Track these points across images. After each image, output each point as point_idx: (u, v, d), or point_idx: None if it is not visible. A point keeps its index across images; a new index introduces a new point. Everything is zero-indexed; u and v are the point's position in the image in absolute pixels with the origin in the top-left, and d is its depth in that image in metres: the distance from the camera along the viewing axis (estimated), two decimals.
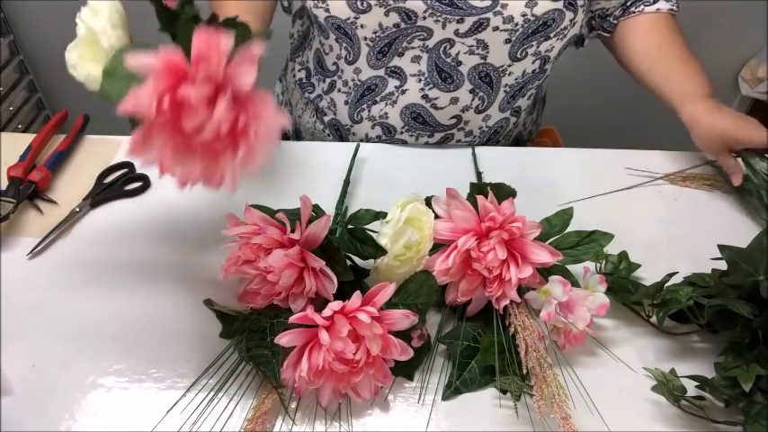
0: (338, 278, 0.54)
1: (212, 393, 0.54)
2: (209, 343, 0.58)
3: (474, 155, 0.83)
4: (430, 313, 0.61)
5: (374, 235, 0.58)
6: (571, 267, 0.60)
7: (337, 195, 0.72)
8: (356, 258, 0.59)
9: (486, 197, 0.56)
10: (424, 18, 0.73)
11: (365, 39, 0.77)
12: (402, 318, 0.51)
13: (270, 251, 0.53)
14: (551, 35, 0.76)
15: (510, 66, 0.79)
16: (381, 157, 0.83)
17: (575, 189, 0.78)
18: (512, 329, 0.56)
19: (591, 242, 0.61)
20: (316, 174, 0.80)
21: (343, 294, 0.52)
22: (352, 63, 0.81)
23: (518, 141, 0.95)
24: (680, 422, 0.54)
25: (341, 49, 0.81)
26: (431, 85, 0.80)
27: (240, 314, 0.58)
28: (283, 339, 0.49)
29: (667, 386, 0.53)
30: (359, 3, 0.73)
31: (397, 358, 0.52)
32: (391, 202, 0.60)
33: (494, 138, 0.88)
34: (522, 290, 0.57)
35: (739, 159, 0.76)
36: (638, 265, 0.65)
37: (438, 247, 0.58)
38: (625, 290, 0.61)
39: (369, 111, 0.84)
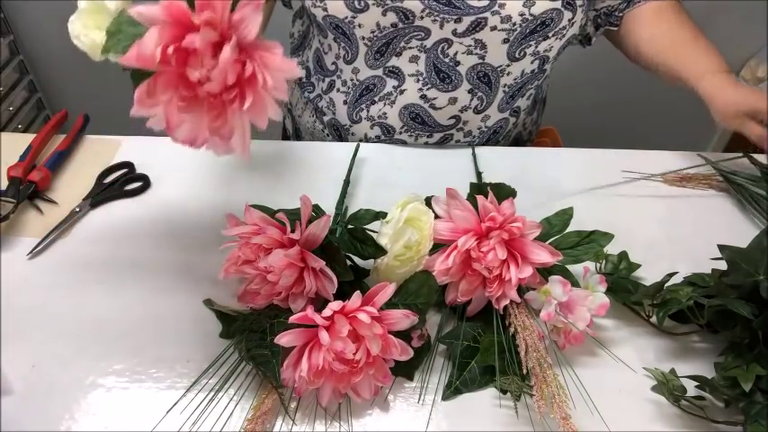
0: (338, 278, 0.54)
1: (212, 393, 0.54)
2: (209, 343, 0.58)
3: (474, 155, 0.83)
4: (430, 313, 0.61)
5: (374, 235, 0.58)
6: (571, 267, 0.60)
7: (337, 195, 0.72)
8: (356, 258, 0.59)
9: (486, 197, 0.56)
10: (422, 18, 0.73)
11: (363, 38, 0.77)
12: (402, 318, 0.51)
13: (270, 251, 0.53)
14: (550, 35, 0.76)
15: (508, 66, 0.79)
16: (381, 157, 0.83)
17: (575, 189, 0.78)
18: (512, 329, 0.56)
19: (591, 242, 0.61)
20: (316, 174, 0.80)
21: (343, 294, 0.52)
22: (351, 63, 0.81)
23: (518, 142, 0.95)
24: (680, 422, 0.54)
25: (339, 49, 0.81)
26: (429, 86, 0.80)
27: (240, 314, 0.58)
28: (283, 339, 0.49)
29: (667, 386, 0.53)
30: (356, 2, 0.73)
31: (397, 358, 0.52)
32: (391, 202, 0.60)
33: (493, 138, 0.88)
34: (522, 290, 0.57)
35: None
36: (638, 265, 0.65)
37: (438, 247, 0.58)
38: (625, 290, 0.61)
39: (367, 111, 0.85)
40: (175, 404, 0.54)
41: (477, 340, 0.57)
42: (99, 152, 0.82)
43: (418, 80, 0.80)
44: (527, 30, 0.74)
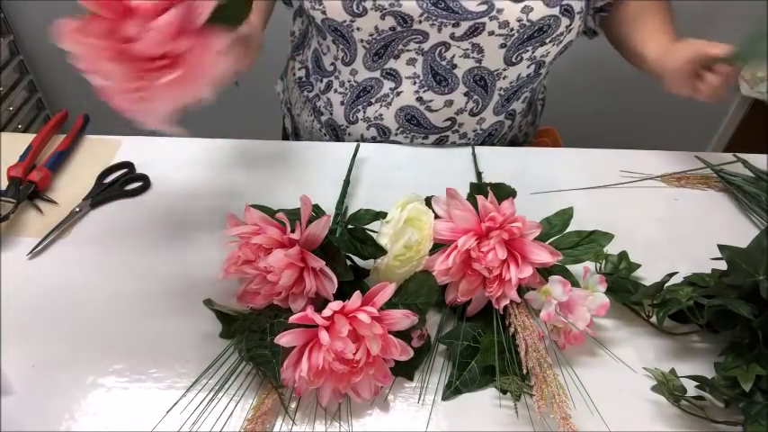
0: (338, 278, 0.54)
1: (212, 393, 0.54)
2: (209, 343, 0.58)
3: (474, 155, 0.83)
4: (430, 313, 0.61)
5: (374, 235, 0.58)
6: (571, 267, 0.60)
7: (337, 195, 0.72)
8: (356, 258, 0.59)
9: (486, 197, 0.56)
10: (420, 22, 0.74)
11: (361, 41, 0.77)
12: (402, 318, 0.51)
13: (270, 251, 0.53)
14: (547, 41, 0.76)
15: (505, 70, 0.79)
16: (381, 157, 0.83)
17: (574, 189, 0.78)
18: (512, 329, 0.56)
19: (591, 242, 0.61)
20: (316, 174, 0.80)
21: (343, 294, 0.52)
22: (349, 64, 0.81)
23: (513, 144, 0.95)
24: (680, 422, 0.54)
25: (338, 51, 0.81)
26: (425, 88, 0.81)
27: (240, 314, 0.58)
28: (283, 339, 0.49)
29: (667, 386, 0.53)
30: (355, 6, 0.73)
31: (397, 358, 0.52)
32: (391, 202, 0.60)
33: (488, 140, 0.89)
34: (522, 290, 0.57)
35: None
36: (638, 265, 0.65)
37: (438, 247, 0.58)
38: (625, 290, 0.61)
39: (364, 112, 0.85)
40: (175, 404, 0.54)
41: (477, 340, 0.57)
42: (99, 152, 0.82)
43: (415, 82, 0.80)
44: (524, 35, 0.75)
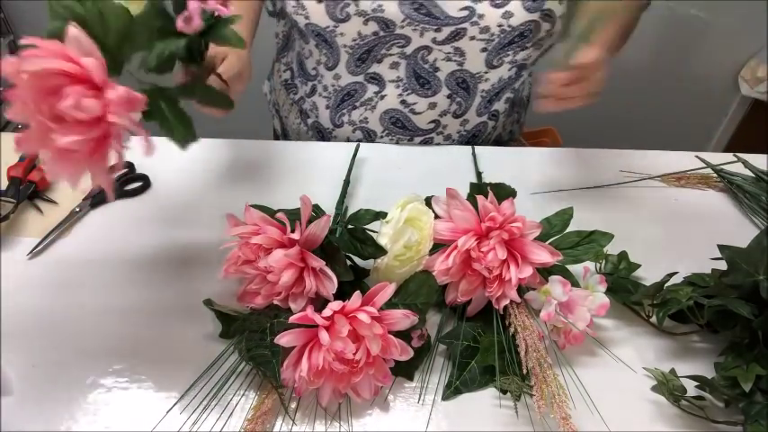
0: (338, 278, 0.54)
1: (212, 393, 0.54)
2: (209, 343, 0.58)
3: (474, 155, 0.83)
4: (430, 313, 0.61)
5: (374, 235, 0.58)
6: (571, 267, 0.60)
7: (337, 195, 0.72)
8: (356, 258, 0.59)
9: (486, 197, 0.56)
10: (402, 27, 0.74)
11: (345, 46, 0.78)
12: (402, 318, 0.51)
13: (270, 251, 0.53)
14: (528, 45, 0.77)
15: (486, 73, 0.80)
16: (381, 157, 0.83)
17: (575, 189, 0.78)
18: (512, 329, 0.56)
19: (591, 242, 0.61)
20: (316, 174, 0.80)
21: (343, 294, 0.52)
22: (332, 69, 0.82)
23: (498, 143, 0.96)
24: (680, 422, 0.54)
25: (320, 55, 0.81)
26: (409, 91, 0.81)
27: (240, 314, 0.58)
28: (283, 339, 0.49)
29: (667, 386, 0.53)
30: (338, 12, 0.74)
31: (397, 358, 0.52)
32: (391, 202, 0.60)
33: (473, 141, 0.89)
34: (522, 290, 0.57)
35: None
36: (638, 265, 0.65)
37: (438, 247, 0.58)
38: (625, 290, 0.61)
39: (349, 115, 0.86)
40: (175, 404, 0.54)
41: (477, 340, 0.57)
42: None
43: (398, 86, 0.81)
44: (505, 40, 0.75)
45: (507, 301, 0.56)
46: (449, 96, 0.82)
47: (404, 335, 0.52)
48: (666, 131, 1.69)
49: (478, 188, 0.62)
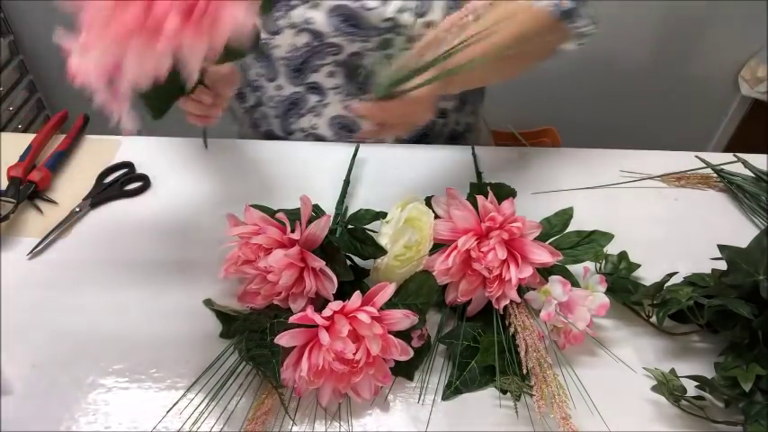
0: (338, 278, 0.54)
1: (212, 393, 0.54)
2: (209, 343, 0.58)
3: (474, 155, 0.83)
4: (430, 313, 0.61)
5: (374, 235, 0.58)
6: (571, 267, 0.60)
7: (337, 195, 0.72)
8: (356, 258, 0.59)
9: (486, 197, 0.56)
10: (332, 36, 0.75)
11: (281, 58, 0.79)
12: (402, 318, 0.51)
13: (270, 251, 0.53)
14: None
15: None
16: (381, 157, 0.83)
17: (575, 189, 0.78)
18: (512, 329, 0.56)
19: (591, 242, 0.61)
20: (316, 174, 0.80)
21: (343, 294, 0.52)
22: (273, 80, 0.83)
23: (453, 137, 0.95)
24: (680, 422, 0.54)
25: (259, 67, 0.82)
26: (350, 97, 0.82)
27: (240, 314, 0.58)
28: (283, 339, 0.49)
29: (667, 386, 0.53)
30: (271, 25, 0.75)
31: (397, 358, 0.52)
32: (391, 202, 0.60)
33: (424, 139, 0.90)
34: (522, 290, 0.57)
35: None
36: (638, 265, 0.65)
37: (438, 247, 0.58)
38: (625, 290, 0.61)
39: (298, 123, 0.86)
40: (175, 404, 0.54)
41: (477, 340, 0.57)
42: (99, 152, 0.82)
43: (338, 92, 0.82)
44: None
45: (507, 301, 0.56)
46: None
47: (404, 335, 0.52)
48: (666, 131, 1.69)
49: (478, 188, 0.62)
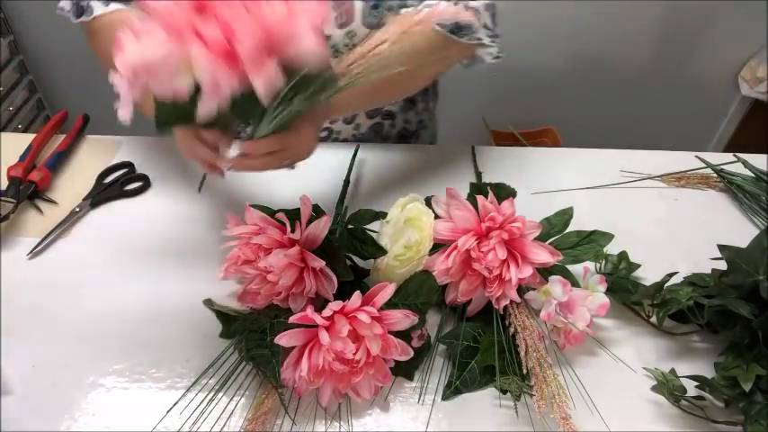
0: (338, 278, 0.54)
1: (212, 393, 0.54)
2: (210, 343, 0.58)
3: (474, 155, 0.83)
4: (430, 313, 0.61)
5: (374, 235, 0.58)
6: (571, 267, 0.60)
7: (337, 195, 0.72)
8: (356, 258, 0.59)
9: (486, 197, 0.56)
10: None
11: None
12: (402, 318, 0.51)
13: (270, 251, 0.53)
14: None
15: None
16: (381, 157, 0.83)
17: (574, 189, 0.78)
18: (512, 329, 0.56)
19: (591, 242, 0.61)
20: (316, 174, 0.79)
21: (343, 294, 0.52)
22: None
23: (404, 136, 0.94)
24: (680, 422, 0.54)
25: None
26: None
27: (240, 314, 0.58)
28: (283, 339, 0.49)
29: (667, 386, 0.53)
30: None
31: (397, 358, 0.52)
32: (391, 202, 0.60)
33: (374, 139, 0.89)
34: (522, 290, 0.57)
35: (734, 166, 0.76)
36: (638, 265, 0.65)
37: (438, 247, 0.58)
38: (625, 290, 0.61)
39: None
40: (175, 404, 0.54)
41: (477, 340, 0.57)
42: (99, 152, 0.82)
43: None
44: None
45: (507, 301, 0.56)
46: None
47: (404, 335, 0.52)
48: (666, 131, 1.69)
49: (478, 188, 0.62)
